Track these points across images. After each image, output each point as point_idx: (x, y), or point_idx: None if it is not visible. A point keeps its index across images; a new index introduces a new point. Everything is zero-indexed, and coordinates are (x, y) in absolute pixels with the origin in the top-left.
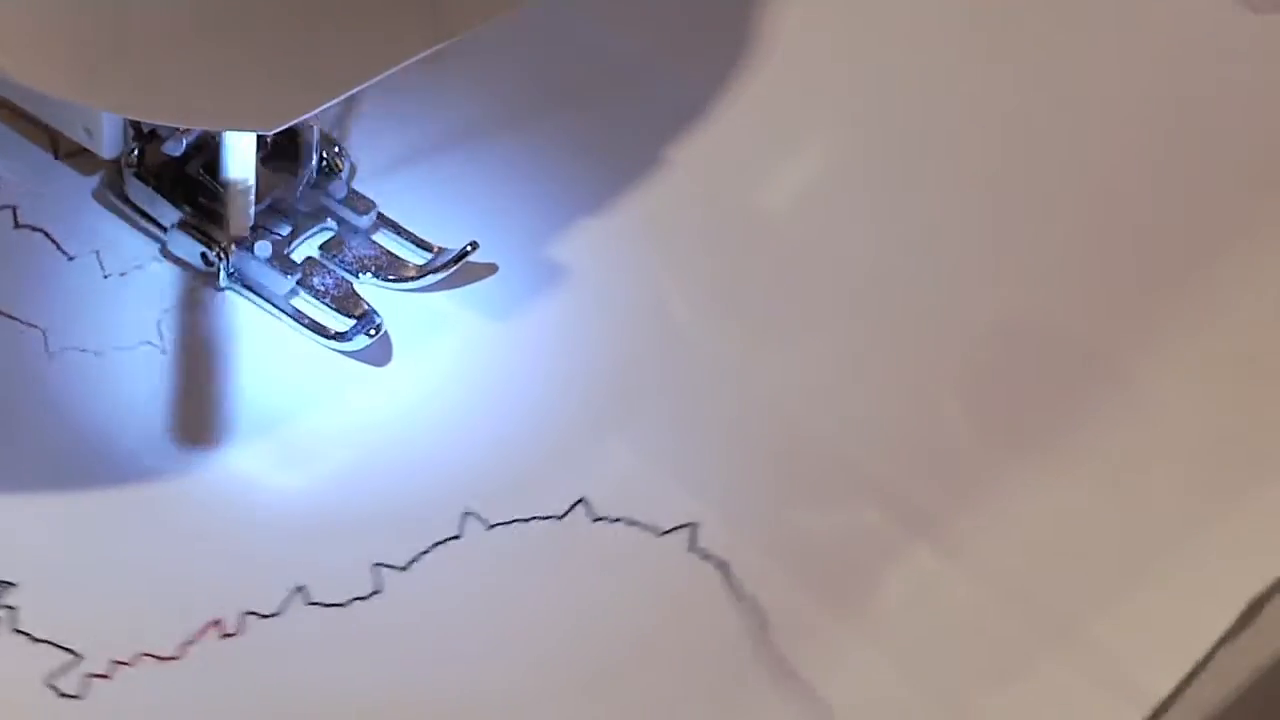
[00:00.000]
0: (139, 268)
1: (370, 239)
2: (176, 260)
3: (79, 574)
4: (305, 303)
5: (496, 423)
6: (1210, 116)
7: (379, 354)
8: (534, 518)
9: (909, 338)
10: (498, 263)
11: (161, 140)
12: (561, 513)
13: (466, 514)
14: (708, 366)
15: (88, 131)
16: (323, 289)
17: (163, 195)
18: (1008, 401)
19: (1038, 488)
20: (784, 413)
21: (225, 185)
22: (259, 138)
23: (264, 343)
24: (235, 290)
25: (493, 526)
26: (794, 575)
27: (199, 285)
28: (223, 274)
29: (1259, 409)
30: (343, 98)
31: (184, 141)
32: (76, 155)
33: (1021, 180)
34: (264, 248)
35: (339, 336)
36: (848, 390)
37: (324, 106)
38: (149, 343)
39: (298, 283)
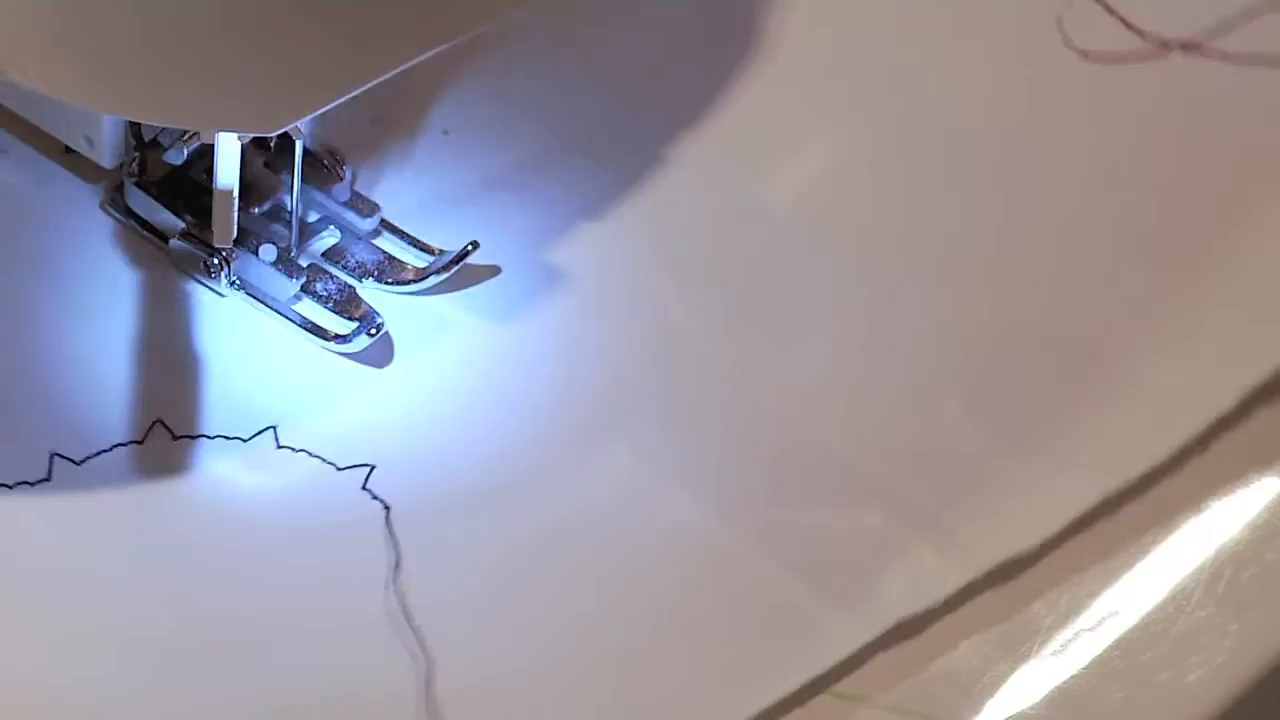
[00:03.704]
0: None
1: (371, 243)
2: (181, 269)
3: None
4: (309, 308)
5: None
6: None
7: (380, 357)
8: (218, 436)
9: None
10: (499, 265)
11: (163, 149)
12: (248, 436)
13: (154, 422)
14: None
15: (88, 140)
16: (325, 294)
17: (164, 204)
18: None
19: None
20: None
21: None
22: (258, 142)
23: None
24: (238, 298)
25: (177, 438)
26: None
27: (201, 293)
28: (224, 282)
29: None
30: (344, 99)
31: (185, 150)
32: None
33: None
34: (269, 251)
35: (340, 339)
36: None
37: (326, 108)
38: None
39: (301, 287)
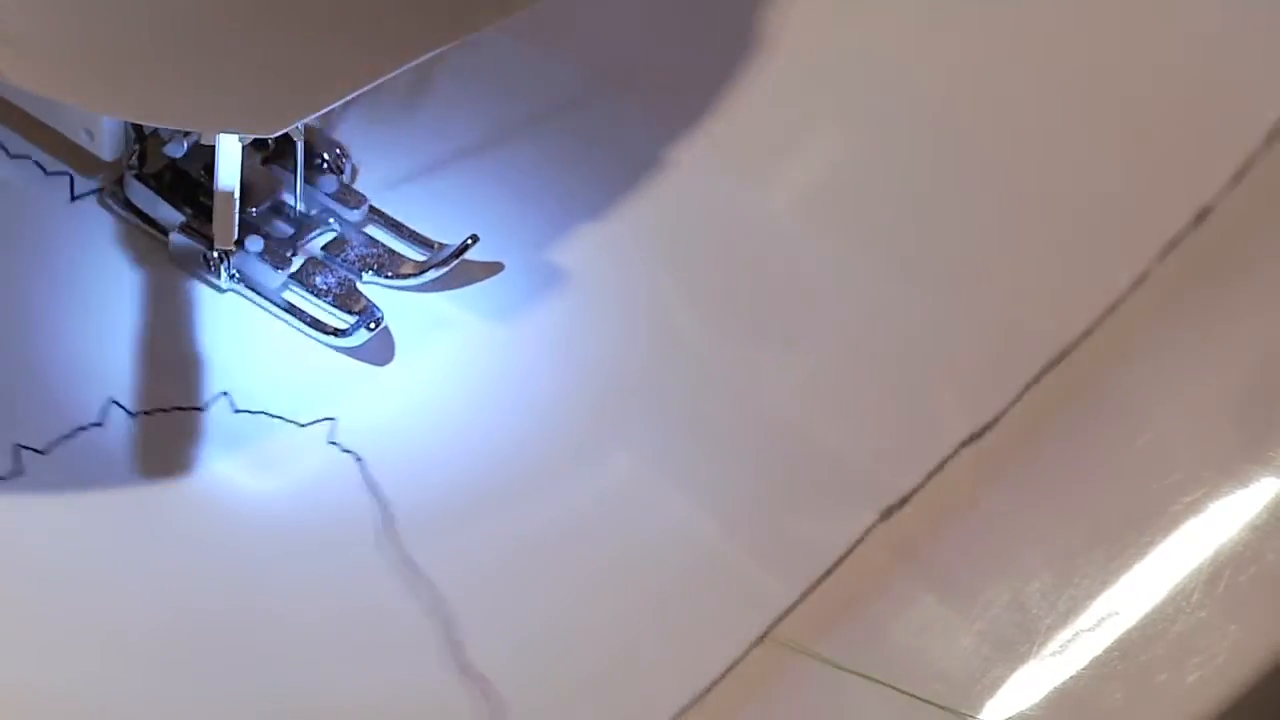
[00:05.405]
0: None
1: (371, 238)
2: (180, 263)
3: None
4: (308, 302)
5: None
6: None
7: (380, 355)
8: (175, 408)
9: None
10: (500, 263)
11: (162, 142)
12: (203, 404)
13: (111, 402)
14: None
15: (88, 133)
16: (324, 288)
17: (164, 197)
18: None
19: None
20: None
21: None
22: (257, 142)
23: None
24: (237, 291)
25: (135, 415)
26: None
27: (201, 287)
28: (223, 275)
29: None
30: (346, 100)
31: (185, 143)
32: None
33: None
34: (255, 242)
35: (339, 333)
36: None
37: (326, 109)
38: None
39: (300, 280)
